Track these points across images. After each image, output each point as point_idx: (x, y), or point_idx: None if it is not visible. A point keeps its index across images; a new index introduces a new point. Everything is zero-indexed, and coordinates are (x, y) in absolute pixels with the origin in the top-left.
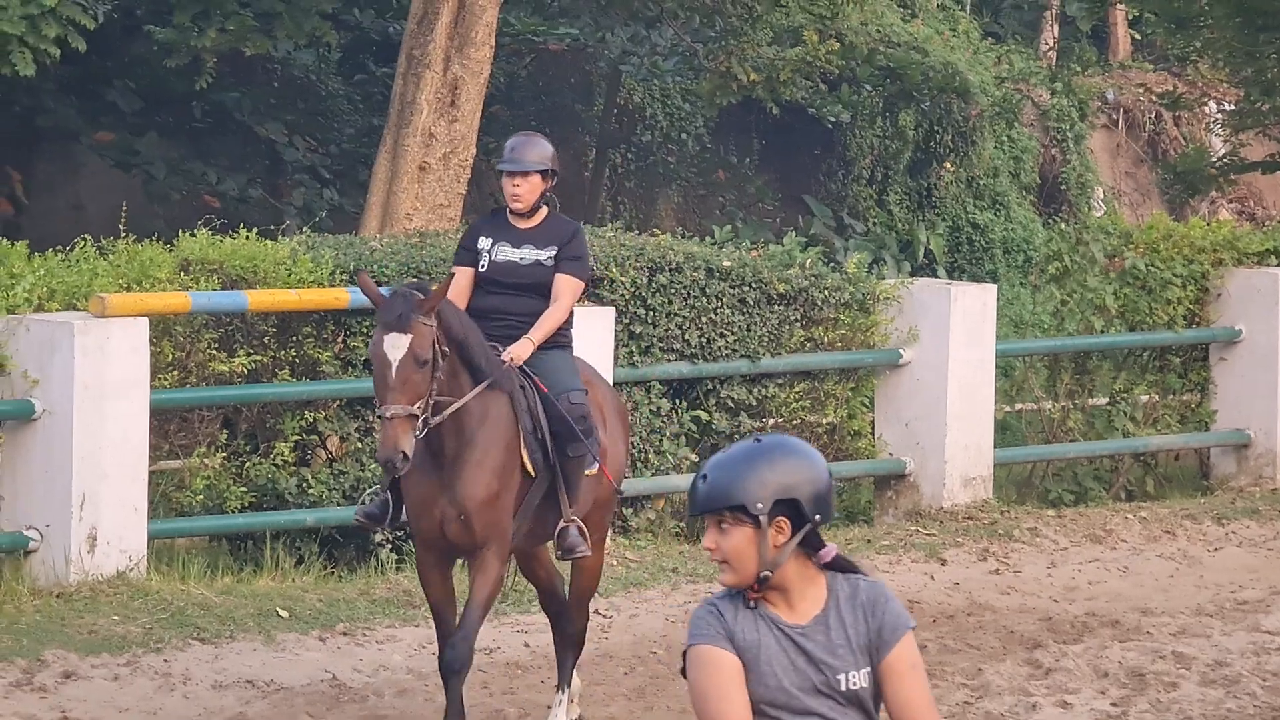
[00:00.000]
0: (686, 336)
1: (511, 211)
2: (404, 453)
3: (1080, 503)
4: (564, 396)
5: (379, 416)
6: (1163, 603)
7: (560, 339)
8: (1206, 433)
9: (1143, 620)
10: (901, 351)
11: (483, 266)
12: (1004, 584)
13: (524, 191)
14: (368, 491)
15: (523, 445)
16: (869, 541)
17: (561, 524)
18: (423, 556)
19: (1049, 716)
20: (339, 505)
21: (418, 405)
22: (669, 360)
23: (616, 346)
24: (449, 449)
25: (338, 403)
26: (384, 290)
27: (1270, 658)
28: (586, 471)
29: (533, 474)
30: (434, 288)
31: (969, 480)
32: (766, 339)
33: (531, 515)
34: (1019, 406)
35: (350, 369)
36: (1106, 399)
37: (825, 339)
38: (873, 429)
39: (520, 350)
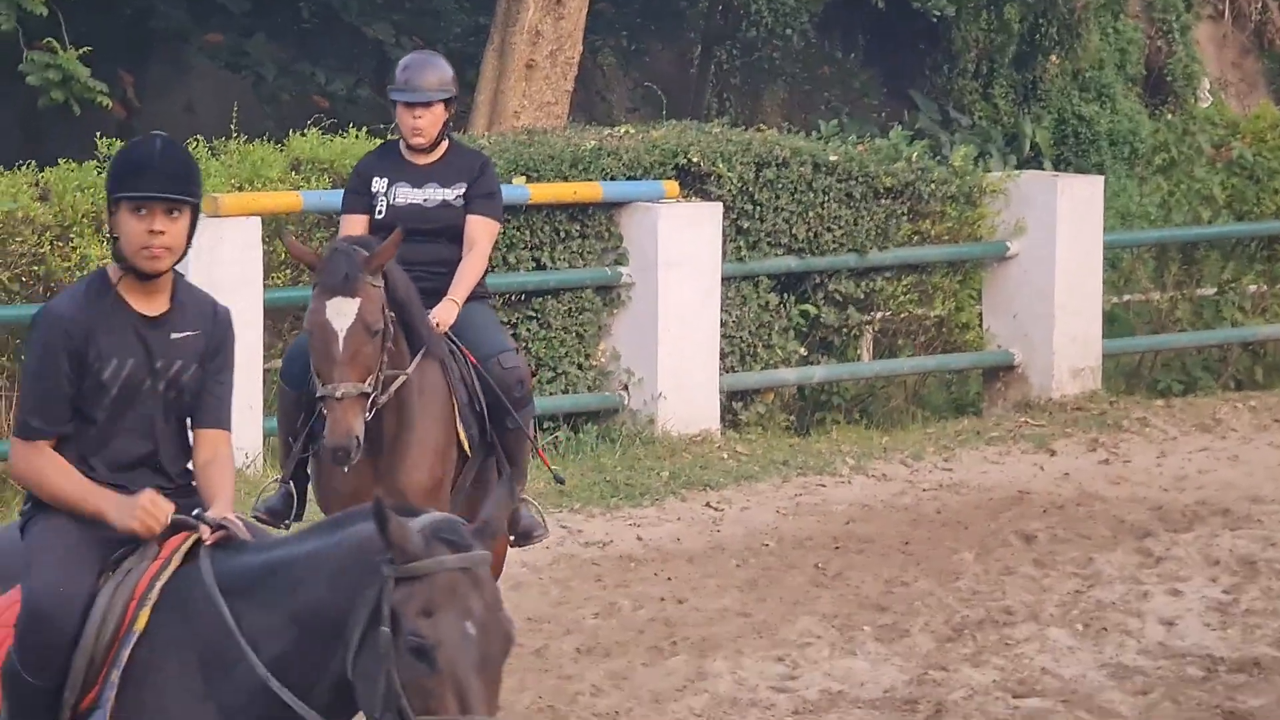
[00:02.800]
0: (794, 231)
1: (409, 147)
2: (357, 438)
3: (1189, 392)
4: (494, 360)
5: (323, 397)
6: (1273, 491)
7: (478, 290)
8: None
9: (1253, 508)
10: (1008, 244)
11: (379, 212)
12: (1114, 474)
13: (425, 124)
14: (267, 483)
15: (459, 420)
16: (978, 433)
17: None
18: None
19: (1160, 604)
20: None
21: (368, 382)
22: (776, 255)
23: (724, 241)
24: (388, 430)
25: None
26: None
27: None
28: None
29: (469, 453)
30: (378, 244)
31: (1077, 371)
32: (874, 233)
33: (463, 501)
34: (1126, 297)
35: None
36: (1214, 289)
37: (932, 232)
38: (980, 321)
39: (445, 314)
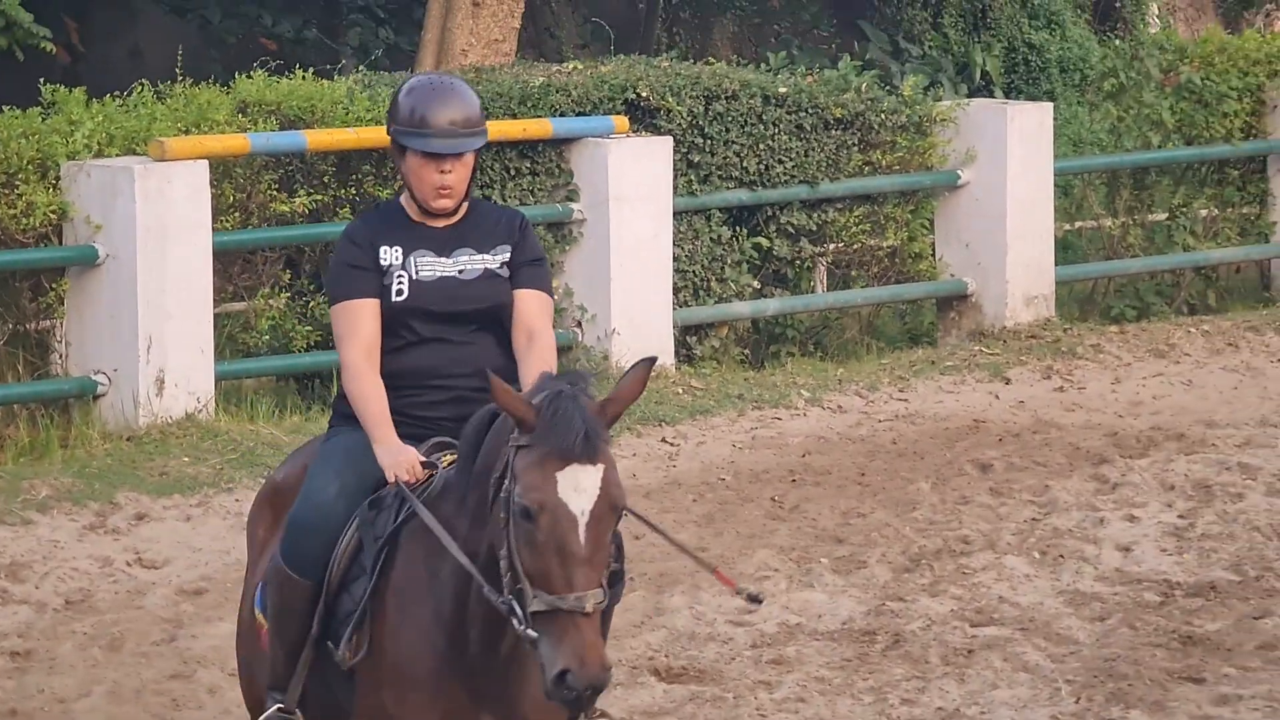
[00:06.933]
0: (745, 164)
1: (424, 209)
2: (610, 667)
3: (1142, 318)
4: None
5: (552, 610)
6: (1227, 415)
7: None
8: (1267, 244)
9: (1208, 433)
10: (960, 173)
11: (399, 293)
12: (1068, 401)
13: (456, 180)
14: (266, 713)
15: None
16: (933, 363)
17: None
18: None
19: (1116, 530)
20: None
21: (603, 578)
22: (728, 188)
23: (675, 176)
24: (499, 630)
25: None
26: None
27: None
28: None
29: None
30: (623, 380)
31: (1031, 299)
32: (825, 164)
33: None
34: (1079, 224)
35: None
36: (1165, 214)
37: (883, 162)
38: (933, 251)
39: None
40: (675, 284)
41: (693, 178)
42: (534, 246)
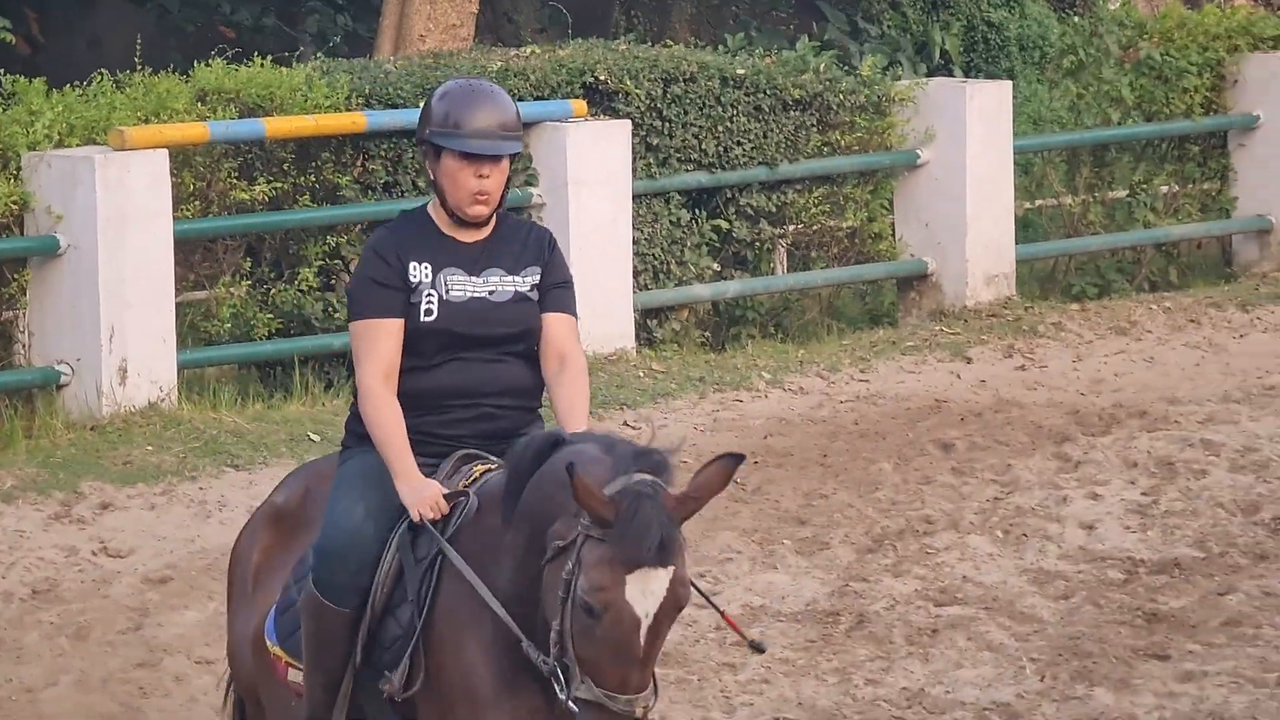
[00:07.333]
0: (704, 146)
1: (459, 219)
2: None
3: (1104, 295)
4: None
5: (595, 705)
6: (1189, 391)
7: None
8: (1228, 220)
9: (1170, 409)
10: (919, 152)
11: (428, 313)
12: (1030, 379)
13: (493, 186)
14: None
15: None
16: (894, 343)
17: None
18: None
19: (1079, 509)
20: None
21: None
22: (687, 170)
23: (634, 159)
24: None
25: (359, 226)
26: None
27: None
28: None
29: None
30: (704, 474)
31: (991, 278)
32: (784, 145)
33: None
34: (1039, 202)
35: (370, 193)
36: (1126, 191)
37: (842, 143)
38: (893, 231)
39: None
40: (635, 267)
41: (651, 161)
42: (562, 268)
